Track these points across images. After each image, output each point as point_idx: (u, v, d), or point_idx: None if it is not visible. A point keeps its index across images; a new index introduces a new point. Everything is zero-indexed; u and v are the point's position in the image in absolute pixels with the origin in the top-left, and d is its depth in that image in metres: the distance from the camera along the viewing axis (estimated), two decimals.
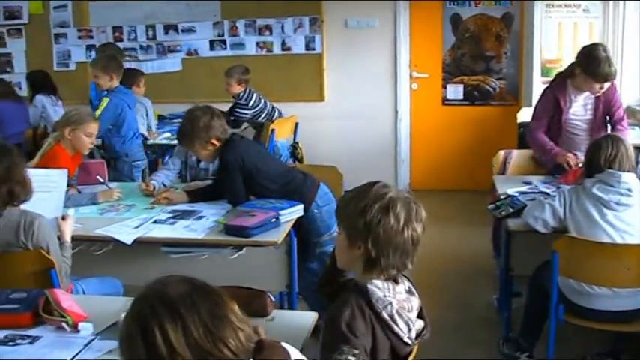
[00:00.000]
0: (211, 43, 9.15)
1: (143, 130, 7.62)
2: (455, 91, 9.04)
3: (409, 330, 2.64)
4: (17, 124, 8.42)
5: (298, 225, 4.64)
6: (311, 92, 8.88)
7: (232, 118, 7.75)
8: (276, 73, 8.29)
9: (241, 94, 8.07)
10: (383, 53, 8.81)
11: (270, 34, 8.96)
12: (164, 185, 5.39)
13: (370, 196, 2.66)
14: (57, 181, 4.65)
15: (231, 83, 8.08)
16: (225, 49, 9.12)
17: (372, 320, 2.57)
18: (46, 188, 4.40)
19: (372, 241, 2.63)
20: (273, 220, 4.35)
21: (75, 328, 3.12)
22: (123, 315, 2.88)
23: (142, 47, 9.34)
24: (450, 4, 8.86)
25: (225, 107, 7.30)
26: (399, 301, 2.65)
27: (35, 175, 4.12)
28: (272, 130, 7.75)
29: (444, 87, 9.05)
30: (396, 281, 2.70)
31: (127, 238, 4.39)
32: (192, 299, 1.86)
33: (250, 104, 8.03)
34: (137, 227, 4.55)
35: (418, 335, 2.70)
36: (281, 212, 4.46)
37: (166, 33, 9.27)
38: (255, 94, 8.06)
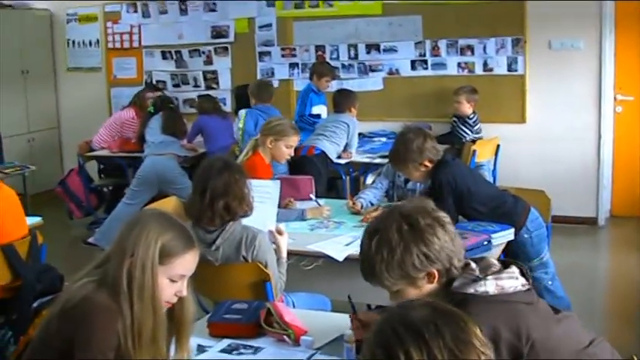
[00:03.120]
0: (412, 62, 9.15)
1: (335, 151, 7.83)
2: None
3: (517, 279, 2.59)
4: (222, 139, 8.71)
5: (507, 249, 4.60)
6: (512, 114, 8.72)
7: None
8: (478, 93, 8.30)
9: (471, 115, 8.28)
10: (587, 75, 8.56)
11: (472, 54, 8.87)
12: (371, 204, 5.44)
13: (412, 232, 2.61)
14: (271, 192, 4.78)
15: (461, 101, 8.31)
16: (427, 68, 9.08)
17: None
18: (260, 199, 4.50)
19: (440, 261, 2.61)
20: (485, 243, 4.31)
21: (296, 341, 3.18)
22: (347, 332, 2.96)
23: (343, 66, 9.43)
24: None
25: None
26: (483, 270, 2.63)
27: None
28: (474, 150, 7.72)
29: None
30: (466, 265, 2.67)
31: (339, 255, 4.45)
32: (436, 324, 1.85)
33: (476, 127, 8.16)
34: (348, 244, 4.60)
35: (524, 275, 2.64)
36: (493, 235, 4.42)
37: (368, 52, 9.33)
38: (479, 118, 8.19)
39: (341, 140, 7.87)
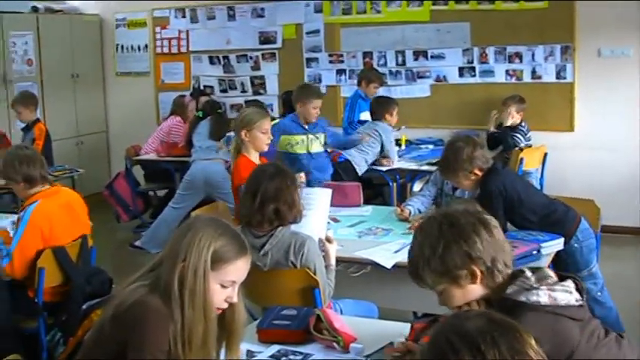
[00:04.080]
0: (460, 69, 9.12)
1: (363, 160, 7.80)
2: None
3: (570, 293, 2.53)
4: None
5: (556, 259, 4.55)
6: (560, 122, 8.66)
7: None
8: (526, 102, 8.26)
9: (523, 124, 8.29)
10: (636, 83, 8.43)
11: (521, 61, 8.82)
12: (419, 211, 5.42)
13: (452, 230, 2.61)
14: (319, 199, 4.76)
15: (510, 111, 8.25)
16: (474, 75, 9.05)
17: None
18: (310, 207, 4.49)
19: (482, 260, 2.58)
20: (535, 252, 4.28)
21: (345, 348, 3.16)
22: (396, 340, 2.95)
23: (391, 72, 9.44)
24: None
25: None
26: (539, 280, 2.56)
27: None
28: (521, 159, 7.67)
29: None
30: (521, 272, 2.62)
31: (388, 262, 4.44)
32: (492, 334, 1.83)
33: (528, 135, 8.23)
34: (396, 252, 4.58)
35: (579, 291, 2.58)
36: (542, 245, 4.38)
37: (416, 59, 9.32)
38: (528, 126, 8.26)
39: (371, 148, 7.83)
